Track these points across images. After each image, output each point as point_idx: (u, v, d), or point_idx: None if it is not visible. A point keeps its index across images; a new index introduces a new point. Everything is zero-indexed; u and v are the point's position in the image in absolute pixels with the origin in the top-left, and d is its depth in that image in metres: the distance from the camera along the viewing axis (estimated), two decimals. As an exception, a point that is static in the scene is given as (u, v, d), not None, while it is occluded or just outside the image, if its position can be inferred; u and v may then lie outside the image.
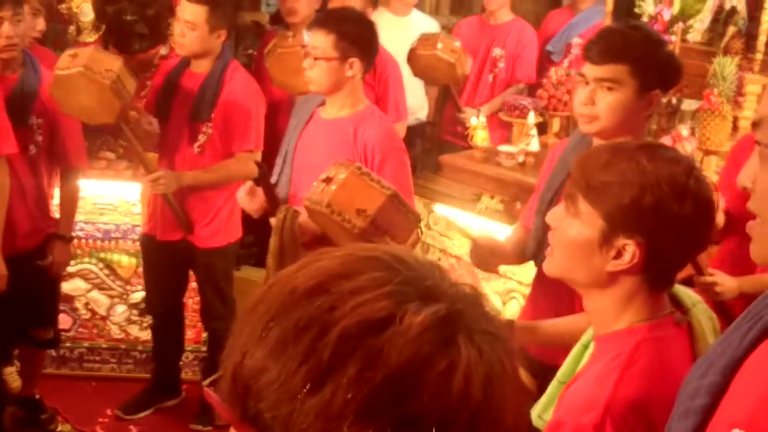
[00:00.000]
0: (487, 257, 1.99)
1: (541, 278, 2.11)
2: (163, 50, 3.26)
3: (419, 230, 2.12)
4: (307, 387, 0.55)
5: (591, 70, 1.84)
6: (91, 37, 3.26)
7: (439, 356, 0.57)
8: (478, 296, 0.63)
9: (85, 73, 2.44)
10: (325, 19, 2.35)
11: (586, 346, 1.35)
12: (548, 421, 1.24)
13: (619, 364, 1.16)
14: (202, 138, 2.82)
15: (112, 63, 2.52)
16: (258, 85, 2.93)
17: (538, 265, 2.09)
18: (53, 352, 3.11)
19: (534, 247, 2.05)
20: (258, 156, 2.86)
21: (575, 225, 1.21)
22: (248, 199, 2.37)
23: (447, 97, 3.90)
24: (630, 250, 1.17)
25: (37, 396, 2.96)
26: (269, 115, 2.99)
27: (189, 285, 3.11)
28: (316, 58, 2.27)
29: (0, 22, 2.44)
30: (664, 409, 1.02)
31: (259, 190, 2.33)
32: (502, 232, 3.10)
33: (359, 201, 1.98)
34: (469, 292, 0.63)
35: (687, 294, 1.31)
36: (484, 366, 0.59)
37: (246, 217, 2.98)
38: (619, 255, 1.18)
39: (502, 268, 3.01)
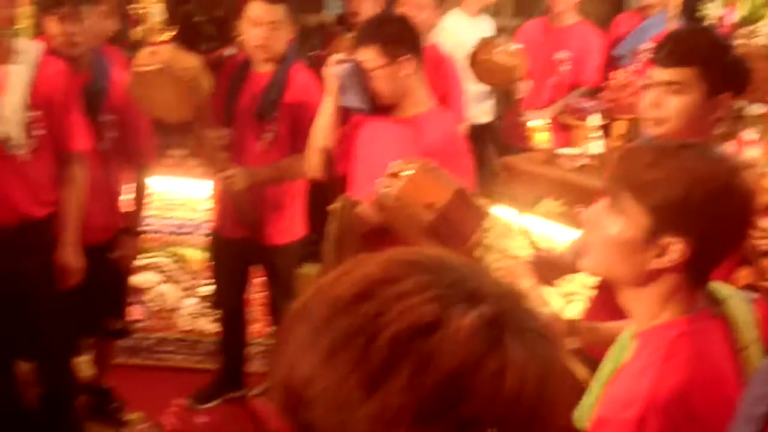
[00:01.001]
0: (545, 272, 1.97)
1: (605, 284, 2.07)
2: (228, 51, 3.32)
3: (485, 226, 2.12)
4: (360, 394, 0.55)
5: (659, 73, 1.83)
6: (161, 38, 3.34)
7: (489, 357, 0.57)
8: (520, 295, 0.62)
9: (165, 69, 2.48)
10: (362, 34, 2.35)
11: (623, 347, 1.33)
12: (591, 419, 1.21)
13: (658, 358, 1.15)
14: (268, 136, 2.85)
15: (191, 61, 2.56)
16: (322, 85, 2.95)
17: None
18: (125, 343, 3.19)
19: None
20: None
21: (618, 223, 1.19)
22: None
23: (508, 99, 3.87)
24: (676, 248, 1.16)
25: (108, 385, 3.05)
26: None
27: (254, 280, 3.17)
28: (371, 71, 2.28)
29: (62, 18, 2.51)
30: (705, 400, 1.03)
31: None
32: (563, 235, 3.08)
33: (427, 195, 1.99)
34: (512, 291, 0.62)
35: (719, 287, 1.30)
36: (535, 365, 0.58)
37: (313, 215, 3.02)
38: (662, 253, 1.17)
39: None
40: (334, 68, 2.33)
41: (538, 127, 3.36)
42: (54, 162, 2.46)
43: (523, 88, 3.73)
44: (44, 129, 2.40)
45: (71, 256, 2.49)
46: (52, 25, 2.54)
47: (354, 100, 2.33)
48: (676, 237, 1.15)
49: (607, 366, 1.34)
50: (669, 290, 1.20)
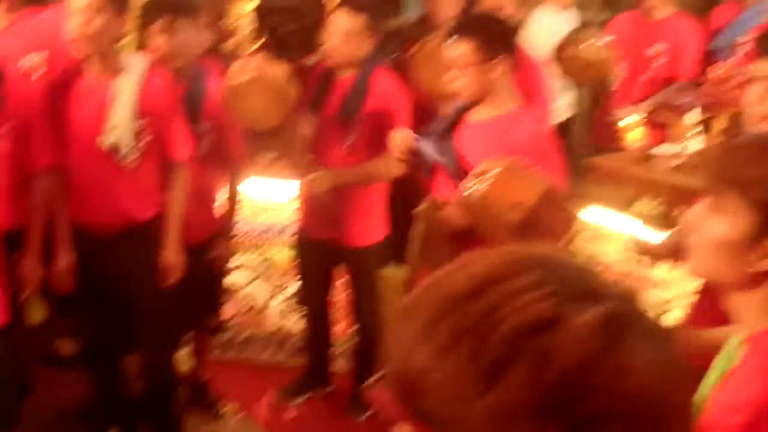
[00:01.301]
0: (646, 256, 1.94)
1: (707, 284, 2.04)
2: (312, 59, 3.42)
3: (576, 226, 2.09)
4: (478, 388, 0.56)
5: (765, 66, 1.75)
6: (250, 49, 3.49)
7: (609, 355, 0.57)
8: (635, 295, 0.62)
9: (256, 80, 2.60)
10: (461, 27, 2.36)
11: (731, 353, 1.28)
12: (698, 425, 1.17)
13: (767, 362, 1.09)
14: (350, 139, 2.94)
15: (279, 70, 2.67)
16: (404, 88, 3.03)
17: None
18: (218, 339, 3.34)
19: None
20: None
21: (721, 223, 1.13)
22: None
23: (598, 96, 3.80)
24: None
25: (205, 378, 3.20)
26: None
27: (338, 280, 3.26)
28: (460, 67, 2.29)
29: (160, 31, 2.66)
30: None
31: None
32: (659, 239, 2.95)
33: (514, 194, 1.96)
34: (627, 290, 0.62)
35: None
36: (658, 364, 0.58)
37: (393, 217, 3.10)
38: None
39: (661, 275, 2.88)
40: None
41: (631, 124, 3.27)
42: (158, 168, 2.62)
43: (614, 84, 3.63)
44: (150, 137, 2.56)
45: (174, 256, 2.63)
46: (154, 38, 2.68)
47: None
48: None
49: (714, 372, 1.30)
50: None
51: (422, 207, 2.28)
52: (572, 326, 0.57)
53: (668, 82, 3.70)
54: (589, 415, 0.56)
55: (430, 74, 3.09)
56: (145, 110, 2.54)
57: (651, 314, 0.62)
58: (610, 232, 3.08)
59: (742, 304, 1.18)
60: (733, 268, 1.15)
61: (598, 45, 3.33)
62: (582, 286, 0.60)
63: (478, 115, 2.37)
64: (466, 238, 2.25)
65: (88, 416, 2.90)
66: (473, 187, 2.02)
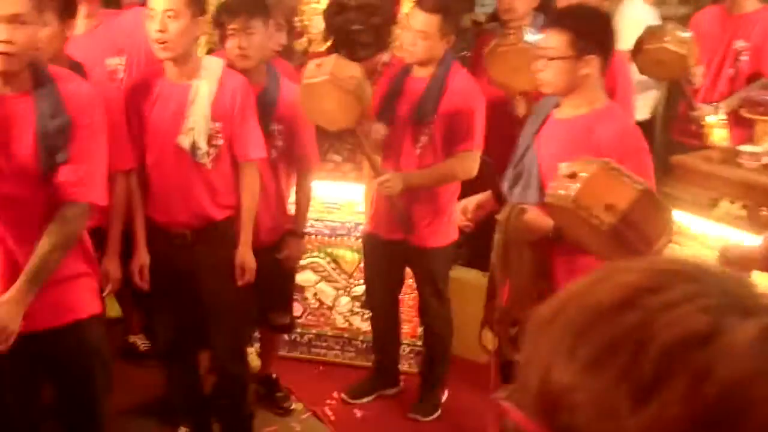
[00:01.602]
0: (737, 265, 1.86)
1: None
2: (385, 57, 3.41)
3: (671, 230, 1.97)
4: (630, 404, 0.54)
5: None
6: (321, 48, 3.49)
7: None
8: None
9: (332, 80, 2.59)
10: (560, 17, 2.28)
11: None
12: None
13: None
14: (423, 140, 2.91)
15: (354, 70, 2.65)
16: (479, 86, 2.99)
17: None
18: (286, 336, 3.38)
19: None
20: (477, 157, 2.92)
21: None
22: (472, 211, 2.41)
23: (678, 93, 3.67)
24: None
25: (274, 375, 3.24)
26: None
27: (406, 282, 3.25)
28: (550, 59, 2.22)
29: (233, 33, 2.67)
30: None
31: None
32: (744, 241, 2.80)
33: (608, 196, 1.88)
34: None
35: None
36: None
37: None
38: None
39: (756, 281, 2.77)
40: None
41: (715, 122, 3.15)
42: (233, 169, 2.65)
43: (696, 80, 3.48)
44: (224, 139, 2.59)
45: (247, 256, 2.66)
46: (228, 40, 2.70)
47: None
48: None
49: None
50: None
51: (504, 213, 2.22)
52: (731, 340, 0.55)
53: (752, 78, 3.56)
54: (749, 431, 0.53)
55: (505, 71, 3.03)
56: (220, 113, 2.56)
57: None
58: (693, 233, 2.97)
59: None
60: None
61: (679, 40, 3.21)
62: (737, 298, 0.58)
63: (563, 112, 2.30)
64: (549, 244, 2.20)
65: (160, 412, 2.96)
66: (565, 188, 1.93)
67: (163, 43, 2.43)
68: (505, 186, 2.36)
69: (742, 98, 3.37)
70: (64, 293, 2.10)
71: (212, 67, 2.58)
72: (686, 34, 3.27)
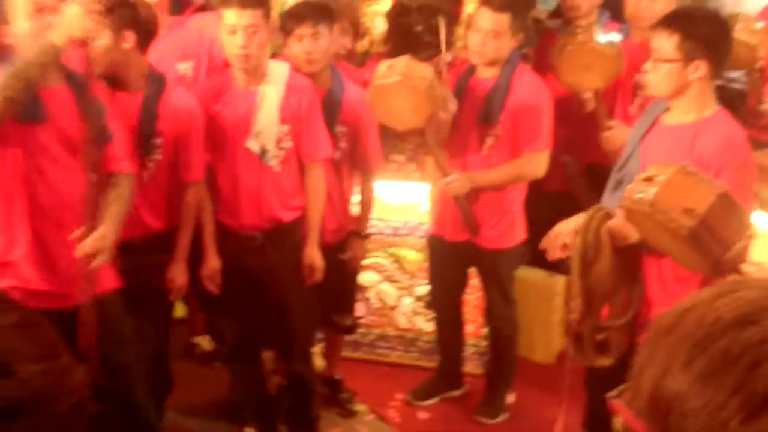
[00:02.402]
0: None
1: None
2: (448, 57, 3.40)
3: (751, 234, 1.96)
4: (741, 417, 0.56)
5: None
6: (382, 49, 3.50)
7: None
8: None
9: (404, 81, 2.62)
10: (670, 18, 2.24)
11: None
12: None
13: None
14: (490, 140, 2.91)
15: (425, 70, 2.69)
16: (545, 85, 2.96)
17: None
18: (349, 337, 3.39)
19: None
20: (545, 157, 2.90)
21: None
22: None
23: (747, 84, 3.58)
24: None
25: (338, 376, 3.27)
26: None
27: (470, 282, 3.24)
28: (656, 60, 2.19)
29: (300, 37, 2.71)
30: None
31: None
32: None
33: (687, 199, 1.88)
34: None
35: None
36: None
37: (525, 217, 3.04)
38: None
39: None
40: None
41: None
42: (299, 171, 2.69)
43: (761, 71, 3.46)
44: (292, 142, 2.63)
45: (316, 256, 2.71)
46: (293, 45, 2.74)
47: None
48: None
49: None
50: None
51: (586, 216, 2.20)
52: None
53: None
54: None
55: (574, 70, 3.00)
56: (288, 116, 2.62)
57: None
58: (764, 232, 2.89)
59: None
60: None
61: (752, 28, 3.14)
62: None
63: (671, 118, 2.28)
64: (637, 250, 2.16)
65: (227, 413, 3.02)
66: (642, 192, 1.93)
67: (246, 57, 2.47)
68: (607, 190, 2.34)
69: None
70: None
71: (279, 72, 2.65)
72: (759, 24, 3.19)
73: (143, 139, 2.49)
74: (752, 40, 3.17)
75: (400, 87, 2.64)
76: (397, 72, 2.64)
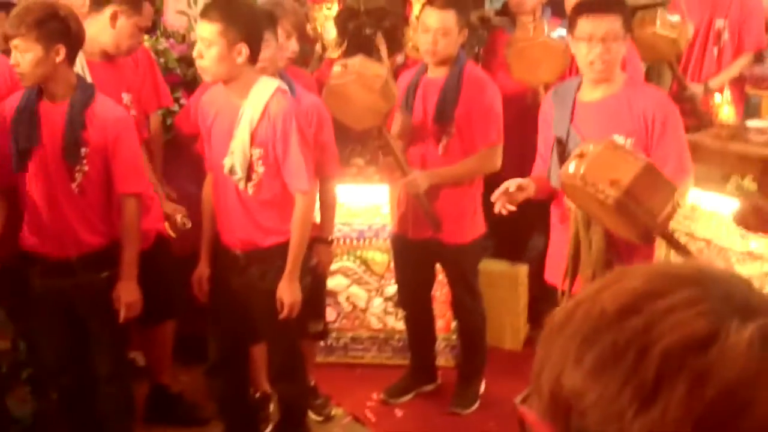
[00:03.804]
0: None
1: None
2: (399, 58, 3.49)
3: (675, 201, 2.12)
4: (635, 407, 0.57)
5: None
6: (335, 53, 3.58)
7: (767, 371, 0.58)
8: None
9: (358, 80, 2.72)
10: (600, 1, 2.49)
11: None
12: None
13: None
14: (445, 139, 3.03)
15: (380, 69, 2.80)
16: (494, 81, 3.07)
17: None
18: (322, 343, 3.47)
19: None
20: (499, 150, 3.00)
21: None
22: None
23: (665, 74, 3.77)
24: None
25: (312, 383, 3.33)
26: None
27: (437, 278, 3.33)
28: (617, 40, 2.44)
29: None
30: None
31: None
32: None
33: (613, 172, 2.05)
34: None
35: None
36: None
37: (484, 211, 3.15)
38: None
39: (760, 250, 2.90)
40: None
41: (722, 101, 3.26)
42: (282, 198, 2.60)
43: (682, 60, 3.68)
44: (266, 166, 2.57)
45: (287, 290, 2.61)
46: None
47: None
48: None
49: None
50: None
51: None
52: (730, 343, 0.58)
53: (736, 55, 3.64)
54: (753, 430, 0.57)
55: (527, 66, 3.12)
56: (261, 139, 2.54)
57: None
58: (706, 210, 3.06)
59: None
60: None
61: (670, 22, 3.32)
62: (738, 300, 0.61)
63: (593, 95, 2.52)
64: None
65: (218, 420, 3.03)
66: (575, 167, 2.10)
67: (202, 70, 2.55)
68: (552, 175, 2.54)
69: (732, 74, 3.57)
70: None
71: (262, 90, 2.55)
72: (676, 18, 3.37)
73: (68, 148, 2.51)
74: (672, 33, 3.36)
75: (356, 86, 2.73)
76: (351, 72, 2.72)
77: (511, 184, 2.54)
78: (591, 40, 2.42)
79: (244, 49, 2.46)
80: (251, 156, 2.55)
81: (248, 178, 2.58)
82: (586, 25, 2.43)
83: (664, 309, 0.60)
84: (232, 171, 2.58)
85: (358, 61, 2.80)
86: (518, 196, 2.52)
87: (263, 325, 2.75)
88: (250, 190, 2.60)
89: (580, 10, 2.48)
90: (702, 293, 0.61)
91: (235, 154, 2.56)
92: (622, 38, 2.46)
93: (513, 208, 2.54)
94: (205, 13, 2.52)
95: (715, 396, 0.57)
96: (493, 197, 2.54)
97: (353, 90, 2.73)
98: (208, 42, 2.46)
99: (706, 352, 0.58)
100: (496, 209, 2.55)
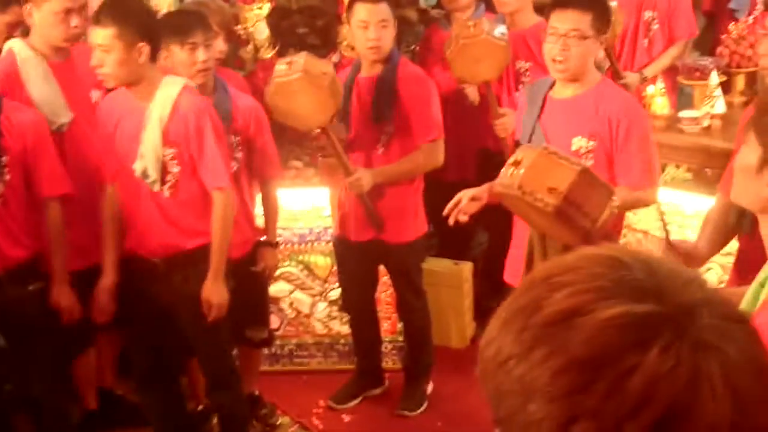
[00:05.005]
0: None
1: (745, 246, 2.11)
2: (334, 58, 3.48)
3: (614, 203, 2.15)
4: (514, 361, 0.64)
5: None
6: (269, 54, 3.55)
7: (628, 354, 0.60)
8: (727, 309, 0.64)
9: (306, 77, 2.68)
10: None
11: (762, 285, 1.49)
12: None
13: None
14: (384, 138, 3.04)
15: (326, 66, 2.77)
16: (430, 77, 3.09)
17: (743, 233, 2.09)
18: (266, 351, 3.44)
19: (736, 214, 2.05)
20: (441, 145, 3.01)
21: (743, 150, 1.44)
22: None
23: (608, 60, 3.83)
24: None
25: (257, 392, 3.30)
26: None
27: (381, 279, 3.33)
28: (581, 38, 2.42)
29: (193, 47, 2.71)
30: None
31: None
32: (693, 203, 3.10)
33: (550, 179, 2.06)
34: (719, 302, 0.64)
35: None
36: (680, 378, 0.59)
37: (427, 209, 3.16)
38: None
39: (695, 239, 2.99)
40: None
41: (655, 92, 3.35)
42: (199, 197, 2.61)
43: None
44: (181, 165, 2.58)
45: (214, 292, 2.61)
46: (183, 55, 2.72)
47: None
48: None
49: (750, 295, 1.52)
50: None
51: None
52: (589, 319, 0.61)
53: (668, 44, 3.74)
54: (587, 410, 0.59)
55: (467, 63, 3.13)
56: (173, 138, 2.55)
57: (735, 325, 0.64)
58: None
59: (765, 228, 1.48)
60: (750, 192, 1.45)
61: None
62: (635, 285, 0.63)
63: (563, 93, 2.54)
64: None
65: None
66: (511, 176, 2.13)
67: (103, 76, 2.51)
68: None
69: (665, 63, 3.69)
70: None
71: (168, 89, 2.56)
72: (613, 3, 3.37)
73: None
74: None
75: (303, 83, 2.70)
76: (297, 68, 2.69)
77: (464, 196, 2.57)
78: (554, 35, 2.44)
79: (144, 49, 2.47)
80: (164, 156, 2.54)
81: (163, 181, 2.56)
82: (553, 19, 2.47)
83: (567, 281, 0.65)
84: (144, 174, 2.55)
85: (303, 57, 2.76)
86: (472, 207, 2.56)
87: (192, 333, 2.73)
88: (167, 193, 2.59)
89: (552, 4, 2.51)
90: (603, 272, 0.65)
91: (147, 157, 2.54)
92: (592, 37, 2.43)
93: (465, 218, 2.58)
94: (96, 20, 2.50)
95: (561, 367, 0.61)
96: (446, 211, 2.57)
97: (300, 87, 2.70)
98: (106, 48, 2.46)
99: (569, 324, 0.62)
100: (450, 221, 2.58)
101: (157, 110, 2.53)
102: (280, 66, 2.74)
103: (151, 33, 2.51)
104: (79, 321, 2.71)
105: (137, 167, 2.54)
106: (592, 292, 0.62)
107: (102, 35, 2.44)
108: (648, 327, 0.60)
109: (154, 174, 2.53)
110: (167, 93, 2.54)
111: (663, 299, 0.62)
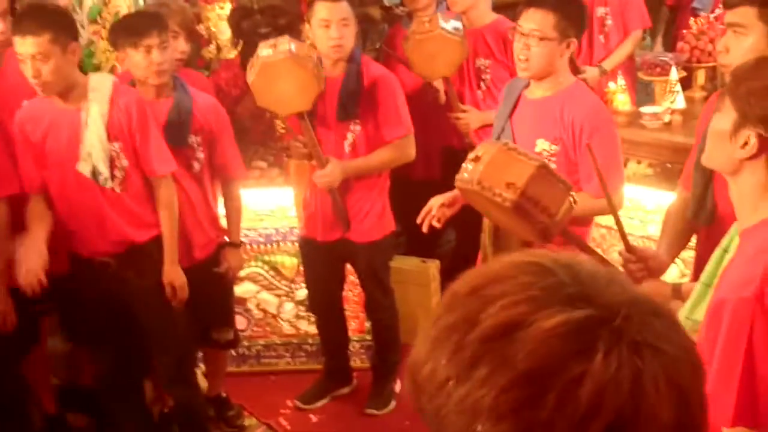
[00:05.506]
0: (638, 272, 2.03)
1: (704, 239, 2.14)
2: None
3: (572, 199, 2.17)
4: (454, 382, 0.62)
5: (727, 15, 2.01)
6: (231, 54, 3.53)
7: (573, 362, 0.59)
8: (652, 305, 0.64)
9: (292, 58, 2.68)
10: None
11: (725, 250, 1.60)
12: (709, 303, 1.52)
13: None
14: (350, 137, 3.04)
15: (310, 49, 2.75)
16: (394, 75, 3.10)
17: (701, 225, 2.12)
18: (233, 352, 3.43)
19: (695, 206, 2.08)
20: (412, 140, 3.02)
21: (716, 116, 1.54)
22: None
23: None
24: (752, 141, 1.47)
25: (224, 394, 3.30)
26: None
27: (348, 279, 3.34)
28: (541, 39, 2.40)
29: (148, 49, 2.72)
30: None
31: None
32: (655, 198, 3.14)
33: (508, 175, 2.09)
34: (644, 300, 0.64)
35: None
36: (624, 381, 0.59)
37: (394, 208, 3.17)
38: (744, 145, 1.48)
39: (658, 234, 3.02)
40: None
41: (616, 89, 3.39)
42: (146, 189, 2.69)
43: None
44: (128, 158, 2.63)
45: (175, 274, 2.71)
46: (139, 57, 2.74)
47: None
48: (752, 130, 1.47)
49: (713, 261, 1.60)
50: (760, 184, 1.49)
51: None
52: (533, 330, 0.60)
53: (624, 37, 3.80)
54: (537, 421, 0.58)
55: (424, 59, 3.14)
56: (116, 132, 2.60)
57: (668, 323, 0.64)
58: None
59: (734, 193, 1.57)
60: (722, 156, 1.54)
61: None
62: (569, 292, 0.63)
63: (535, 93, 2.55)
64: None
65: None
66: (470, 171, 2.15)
67: (40, 85, 2.48)
68: None
69: (622, 55, 3.76)
70: None
71: (101, 87, 2.59)
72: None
73: None
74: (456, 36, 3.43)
75: (290, 64, 2.70)
76: (283, 50, 2.69)
77: (434, 204, 2.60)
78: (518, 34, 2.45)
79: (77, 48, 2.50)
80: (111, 151, 2.57)
81: (112, 176, 2.58)
82: (520, 18, 2.48)
83: (498, 293, 0.63)
84: (94, 173, 2.57)
85: (287, 39, 2.76)
86: (446, 213, 2.58)
87: (149, 325, 2.75)
88: (118, 188, 2.62)
89: (523, 3, 2.52)
90: (534, 281, 0.64)
91: (94, 155, 2.57)
92: (554, 39, 2.40)
93: (439, 225, 2.61)
94: (23, 30, 2.45)
95: (508, 382, 0.59)
96: (418, 219, 2.61)
97: (287, 68, 2.69)
98: (43, 55, 2.43)
99: (511, 338, 0.61)
100: (424, 229, 2.61)
101: (96, 107, 2.55)
102: (265, 49, 2.73)
103: (75, 33, 2.55)
104: (20, 319, 2.69)
105: (83, 169, 2.56)
106: (525, 302, 0.62)
107: (36, 43, 2.41)
108: (587, 332, 0.60)
109: (105, 171, 2.56)
110: (101, 89, 2.57)
111: (592, 302, 0.62)
